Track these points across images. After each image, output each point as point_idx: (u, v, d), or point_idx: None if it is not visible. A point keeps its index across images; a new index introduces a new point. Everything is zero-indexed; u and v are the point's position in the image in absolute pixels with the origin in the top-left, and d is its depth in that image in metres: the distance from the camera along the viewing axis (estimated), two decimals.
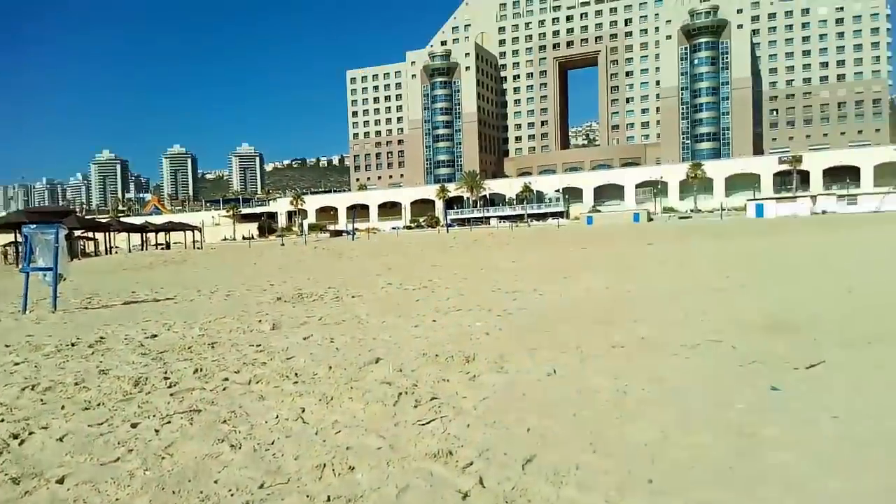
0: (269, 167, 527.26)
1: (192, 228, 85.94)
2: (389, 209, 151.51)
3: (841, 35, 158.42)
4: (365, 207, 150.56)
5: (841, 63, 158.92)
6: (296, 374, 8.54)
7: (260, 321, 13.56)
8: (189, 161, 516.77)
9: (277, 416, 6.83)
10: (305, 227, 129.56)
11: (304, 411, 6.96)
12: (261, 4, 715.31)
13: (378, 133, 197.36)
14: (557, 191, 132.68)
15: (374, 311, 14.46)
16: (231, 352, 10.31)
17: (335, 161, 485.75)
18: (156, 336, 12.17)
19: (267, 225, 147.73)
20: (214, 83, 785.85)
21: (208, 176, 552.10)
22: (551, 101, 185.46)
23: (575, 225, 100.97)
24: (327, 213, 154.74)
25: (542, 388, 7.51)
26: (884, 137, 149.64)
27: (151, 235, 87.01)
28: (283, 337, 11.55)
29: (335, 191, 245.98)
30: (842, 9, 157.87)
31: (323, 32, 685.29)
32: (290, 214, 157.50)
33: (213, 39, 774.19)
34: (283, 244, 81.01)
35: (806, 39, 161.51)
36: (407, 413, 6.77)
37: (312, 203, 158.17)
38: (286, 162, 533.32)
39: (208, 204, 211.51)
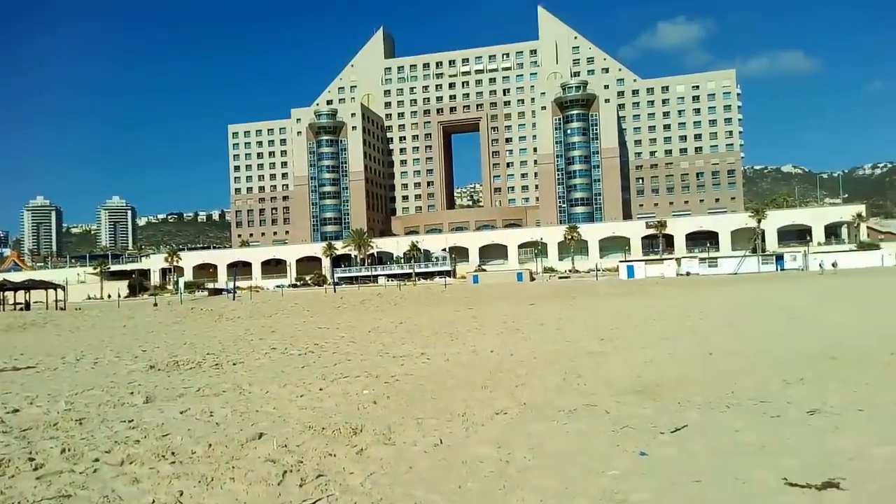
0: (142, 221, 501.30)
1: (55, 287, 79.84)
2: (274, 267, 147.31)
3: (697, 111, 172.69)
4: (247, 265, 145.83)
5: (698, 136, 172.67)
6: (172, 454, 8.16)
7: (132, 393, 12.83)
8: (53, 214, 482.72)
9: (154, 501, 6.51)
10: (181, 286, 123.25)
11: (182, 494, 6.67)
12: (136, 52, 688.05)
13: (262, 189, 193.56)
14: (444, 250, 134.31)
15: (256, 380, 14.03)
16: (101, 428, 9.70)
17: (215, 216, 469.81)
18: (17, 411, 11.22)
19: (138, 283, 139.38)
20: (83, 130, 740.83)
21: (74, 230, 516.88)
22: (437, 163, 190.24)
23: (461, 284, 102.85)
24: (206, 270, 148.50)
25: (429, 459, 7.61)
26: (738, 205, 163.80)
27: (10, 294, 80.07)
28: (157, 411, 10.98)
29: (215, 247, 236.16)
30: (697, 87, 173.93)
31: (203, 85, 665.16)
32: (164, 272, 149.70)
33: (83, 84, 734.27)
34: (156, 304, 76.68)
35: (666, 114, 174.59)
36: (292, 493, 6.65)
37: (189, 260, 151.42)
38: (161, 216, 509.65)
39: (73, 260, 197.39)
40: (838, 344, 15.41)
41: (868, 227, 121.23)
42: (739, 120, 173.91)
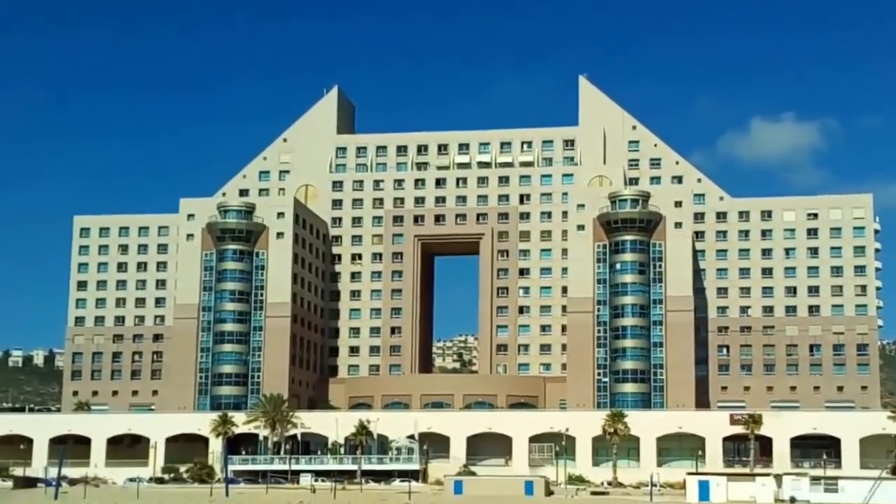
0: None
1: None
2: (129, 448, 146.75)
3: (814, 252, 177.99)
4: (84, 442, 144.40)
5: (814, 290, 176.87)
6: None
7: None
8: None
9: None
10: None
11: None
12: None
13: (119, 320, 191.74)
14: (411, 437, 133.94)
15: None
16: None
17: (38, 359, 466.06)
18: None
19: None
20: None
21: None
22: (408, 299, 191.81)
23: (436, 493, 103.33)
24: (14, 446, 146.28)
25: None
26: (873, 398, 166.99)
27: None
28: None
29: (33, 409, 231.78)
30: (815, 215, 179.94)
31: (34, 151, 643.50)
32: None
33: None
34: None
35: (767, 253, 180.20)
36: None
37: None
38: None
39: None
40: None
41: None
42: (877, 270, 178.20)
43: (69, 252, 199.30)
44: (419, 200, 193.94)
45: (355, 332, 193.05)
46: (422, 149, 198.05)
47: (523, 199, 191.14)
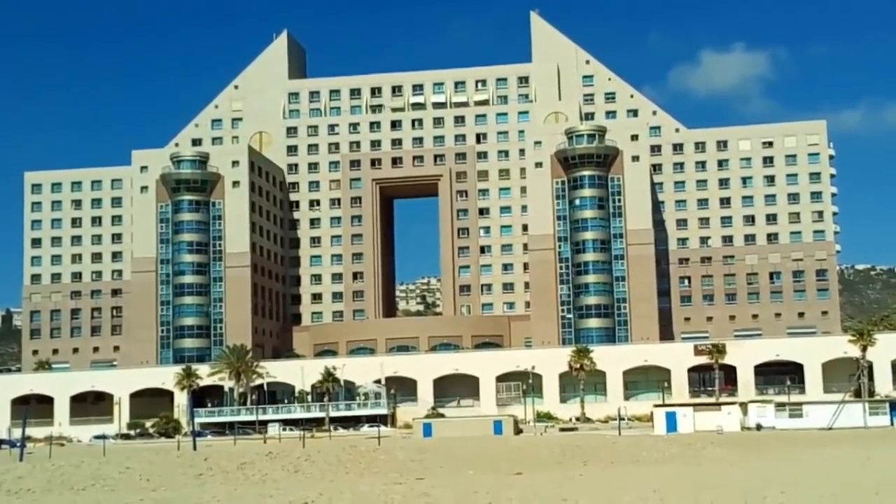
0: None
1: None
2: (92, 405, 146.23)
3: (770, 179, 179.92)
4: (47, 401, 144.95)
5: (772, 218, 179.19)
6: None
7: None
8: None
9: None
10: None
11: None
12: None
13: (76, 276, 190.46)
14: (378, 382, 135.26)
15: None
16: None
17: None
18: None
19: None
20: None
21: None
22: (369, 244, 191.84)
23: (405, 437, 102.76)
24: None
25: None
26: (833, 324, 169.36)
27: None
28: None
29: None
30: (770, 143, 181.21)
31: None
32: None
33: None
34: None
35: (724, 183, 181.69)
36: None
37: None
38: None
39: None
40: None
41: None
42: (833, 195, 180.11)
43: (21, 209, 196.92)
44: (375, 144, 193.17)
45: (317, 279, 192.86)
46: (375, 91, 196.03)
47: (480, 138, 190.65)
